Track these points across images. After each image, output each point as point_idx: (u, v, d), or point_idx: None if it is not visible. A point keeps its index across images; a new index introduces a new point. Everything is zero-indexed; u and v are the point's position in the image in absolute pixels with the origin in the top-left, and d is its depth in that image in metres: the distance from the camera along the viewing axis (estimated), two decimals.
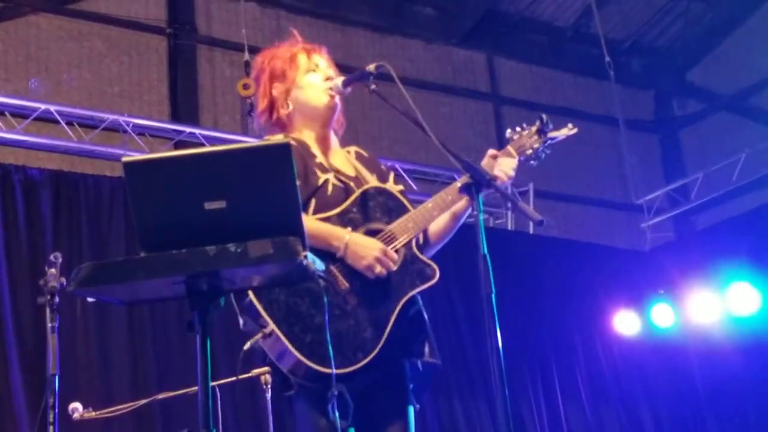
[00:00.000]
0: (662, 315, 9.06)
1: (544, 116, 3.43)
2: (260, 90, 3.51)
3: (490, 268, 2.76)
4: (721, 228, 9.58)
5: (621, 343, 9.24)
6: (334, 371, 2.90)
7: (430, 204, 3.26)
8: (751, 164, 9.46)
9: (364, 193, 3.27)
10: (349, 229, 3.16)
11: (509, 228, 9.41)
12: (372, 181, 3.37)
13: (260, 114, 3.51)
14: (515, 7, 10.32)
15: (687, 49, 11.05)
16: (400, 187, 3.46)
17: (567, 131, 3.53)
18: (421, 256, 3.23)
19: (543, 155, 3.46)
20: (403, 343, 3.18)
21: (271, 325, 3.01)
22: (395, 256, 3.16)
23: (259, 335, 3.04)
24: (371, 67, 3.20)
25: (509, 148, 3.39)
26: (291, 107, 3.42)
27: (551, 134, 3.45)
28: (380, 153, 9.26)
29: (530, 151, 3.40)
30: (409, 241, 3.22)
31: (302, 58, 3.46)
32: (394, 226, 3.22)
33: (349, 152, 3.51)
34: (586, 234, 10.17)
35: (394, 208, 3.27)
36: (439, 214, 3.27)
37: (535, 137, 3.41)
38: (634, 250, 10.11)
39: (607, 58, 8.98)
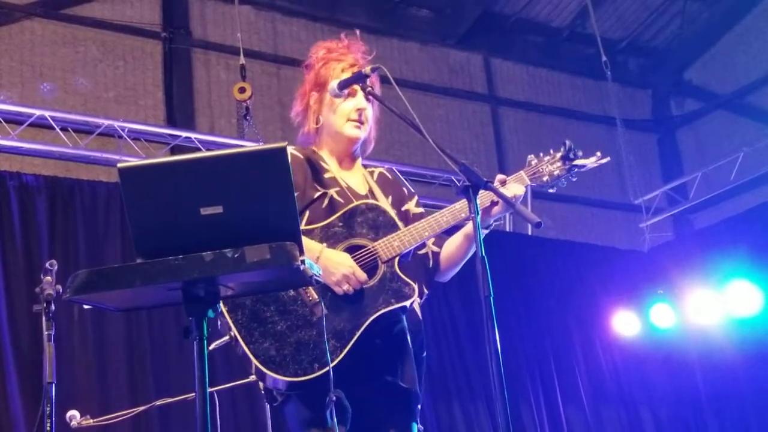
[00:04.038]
0: (662, 315, 9.04)
1: (568, 142, 3.33)
2: (303, 88, 3.46)
3: (488, 271, 2.74)
4: (720, 227, 9.56)
5: (621, 343, 9.21)
6: (298, 379, 2.96)
7: (422, 224, 3.21)
8: (750, 163, 9.45)
9: (354, 209, 3.23)
10: (325, 244, 3.14)
11: (507, 230, 9.39)
12: (381, 201, 3.33)
13: (296, 115, 3.47)
14: (511, 8, 10.31)
15: (684, 48, 11.05)
16: (420, 210, 3.42)
17: (595, 160, 3.37)
18: (402, 275, 3.16)
19: (564, 183, 3.35)
20: (379, 360, 3.14)
21: (233, 330, 3.02)
22: (364, 277, 3.11)
23: (226, 338, 3.08)
24: (367, 70, 3.19)
25: (522, 172, 3.32)
26: (321, 123, 3.38)
27: (578, 162, 3.33)
28: (377, 155, 9.25)
29: (547, 177, 3.31)
30: (391, 259, 3.16)
31: (332, 74, 3.37)
32: (379, 243, 3.17)
33: (372, 172, 3.48)
34: (584, 235, 10.16)
35: (382, 226, 3.22)
36: (430, 235, 3.21)
37: (558, 164, 3.32)
38: (633, 250, 10.09)
39: (604, 58, 8.98)
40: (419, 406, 3.23)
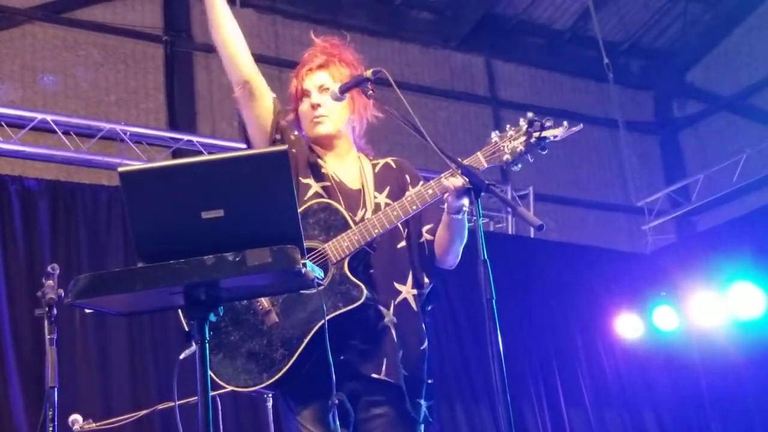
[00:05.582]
0: (665, 317, 9.03)
1: (530, 114, 3.16)
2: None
3: (491, 273, 2.72)
4: (723, 229, 9.55)
5: (624, 346, 9.20)
6: (248, 389, 3.03)
7: (372, 221, 3.15)
8: (752, 164, 9.44)
9: (306, 210, 3.19)
10: None
11: (509, 232, 9.38)
12: (369, 196, 3.31)
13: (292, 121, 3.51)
14: (513, 10, 10.30)
15: (686, 50, 11.04)
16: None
17: (563, 130, 3.12)
18: (351, 276, 3.10)
19: (531, 158, 3.16)
20: (360, 360, 3.12)
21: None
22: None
23: (194, 347, 3.07)
24: (368, 73, 3.17)
25: (478, 154, 3.20)
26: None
27: (545, 134, 3.11)
28: (378, 158, 9.26)
29: (508, 156, 3.14)
30: (341, 261, 3.11)
31: (294, 84, 3.43)
32: (329, 245, 3.13)
33: (376, 165, 3.45)
34: (586, 237, 10.14)
35: (334, 226, 3.17)
36: (381, 231, 3.13)
37: (522, 139, 3.13)
38: (636, 253, 10.08)
39: (606, 60, 8.96)
40: (421, 400, 3.21)
